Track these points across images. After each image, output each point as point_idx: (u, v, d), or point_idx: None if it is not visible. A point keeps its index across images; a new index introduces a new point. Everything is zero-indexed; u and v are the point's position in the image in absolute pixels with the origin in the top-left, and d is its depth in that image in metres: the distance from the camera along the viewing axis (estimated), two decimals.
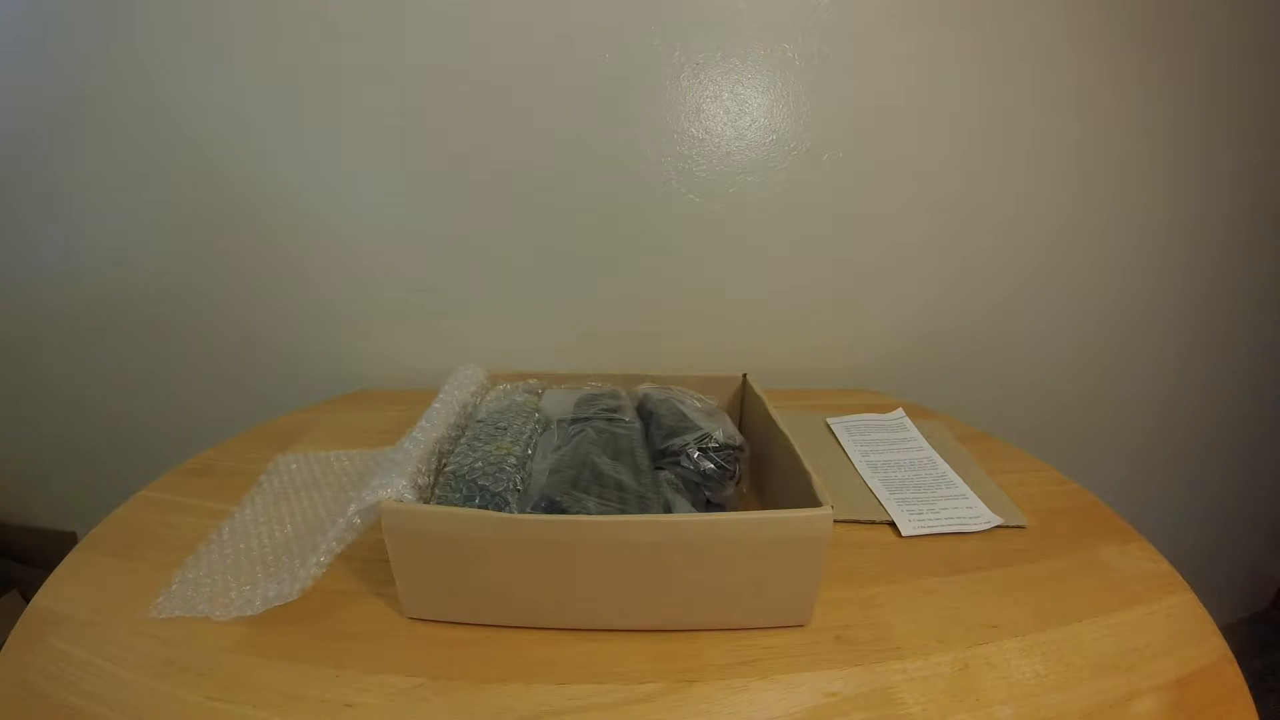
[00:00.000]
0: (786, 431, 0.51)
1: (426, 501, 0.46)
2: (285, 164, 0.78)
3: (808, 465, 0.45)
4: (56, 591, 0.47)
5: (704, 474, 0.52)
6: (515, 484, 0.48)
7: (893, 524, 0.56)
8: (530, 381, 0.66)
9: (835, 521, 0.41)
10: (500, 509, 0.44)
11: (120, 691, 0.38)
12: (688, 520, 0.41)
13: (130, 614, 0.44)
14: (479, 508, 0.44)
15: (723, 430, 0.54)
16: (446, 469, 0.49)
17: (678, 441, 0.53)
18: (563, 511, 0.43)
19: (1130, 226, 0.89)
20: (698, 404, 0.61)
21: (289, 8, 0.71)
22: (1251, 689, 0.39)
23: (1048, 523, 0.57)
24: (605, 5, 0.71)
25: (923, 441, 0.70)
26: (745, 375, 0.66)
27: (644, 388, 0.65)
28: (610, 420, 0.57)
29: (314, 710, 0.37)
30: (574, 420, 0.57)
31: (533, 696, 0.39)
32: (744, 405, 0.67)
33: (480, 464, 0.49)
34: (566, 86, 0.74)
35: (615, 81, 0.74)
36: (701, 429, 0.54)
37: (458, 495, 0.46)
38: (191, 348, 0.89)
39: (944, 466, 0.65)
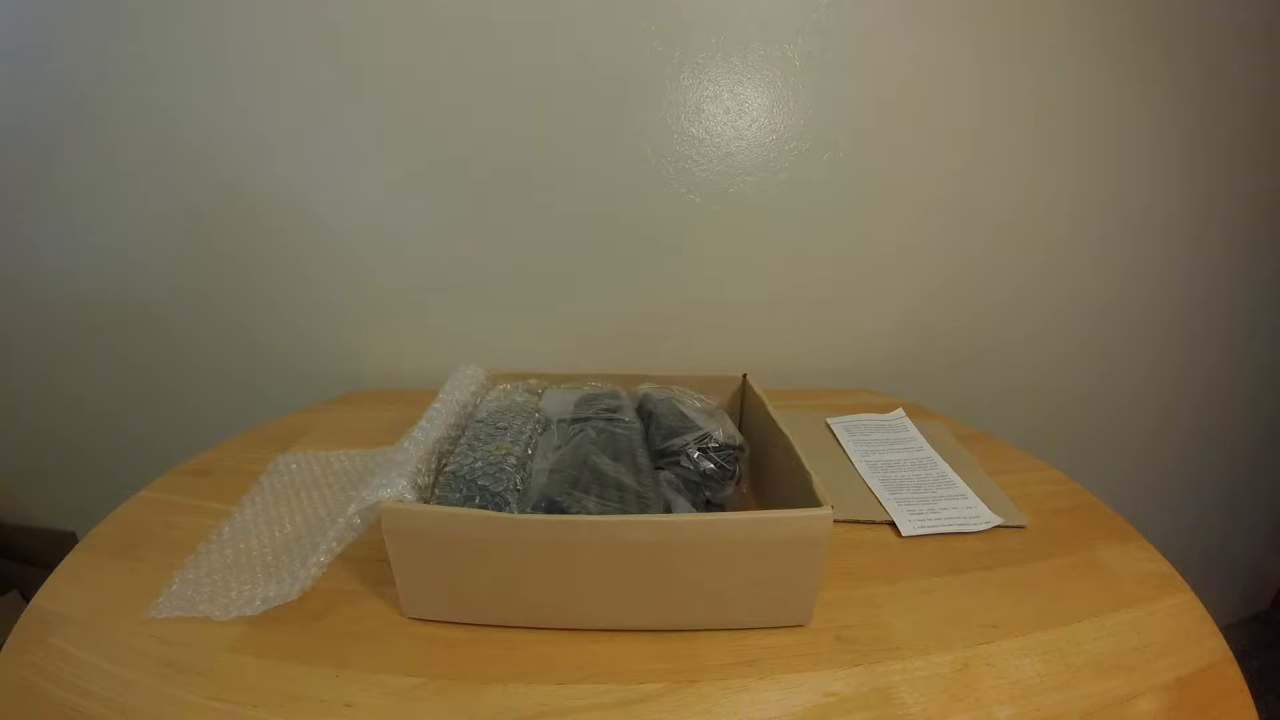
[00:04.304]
0: (786, 431, 0.51)
1: (426, 501, 0.46)
2: (285, 164, 0.78)
3: (808, 465, 0.45)
4: (56, 591, 0.47)
5: (704, 474, 0.52)
6: (515, 484, 0.48)
7: (893, 524, 0.56)
8: (530, 381, 0.66)
9: (835, 521, 0.41)
10: (500, 509, 0.44)
11: (120, 691, 0.38)
12: (688, 520, 0.41)
13: (130, 614, 0.44)
14: (479, 508, 0.44)
15: (723, 430, 0.54)
16: (446, 469, 0.49)
17: (678, 441, 0.53)
18: (563, 511, 0.43)
19: (1130, 226, 0.89)
20: (698, 404, 0.61)
21: (289, 8, 0.71)
22: (1251, 689, 0.39)
23: (1048, 523, 0.57)
24: (605, 6, 0.71)
25: (923, 441, 0.70)
26: (745, 375, 0.66)
27: (644, 388, 0.65)
28: (610, 420, 0.57)
29: (314, 710, 0.37)
30: (574, 420, 0.57)
31: (533, 696, 0.39)
32: (744, 405, 0.67)
33: (480, 464, 0.49)
34: (566, 86, 0.74)
35: (615, 81, 0.74)
36: (701, 429, 0.54)
37: (458, 495, 0.46)
38: (191, 348, 0.89)
39: (944, 466, 0.65)
